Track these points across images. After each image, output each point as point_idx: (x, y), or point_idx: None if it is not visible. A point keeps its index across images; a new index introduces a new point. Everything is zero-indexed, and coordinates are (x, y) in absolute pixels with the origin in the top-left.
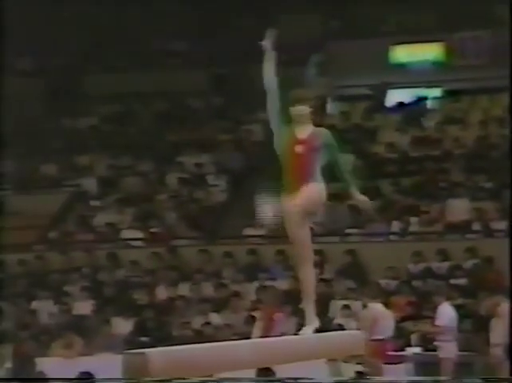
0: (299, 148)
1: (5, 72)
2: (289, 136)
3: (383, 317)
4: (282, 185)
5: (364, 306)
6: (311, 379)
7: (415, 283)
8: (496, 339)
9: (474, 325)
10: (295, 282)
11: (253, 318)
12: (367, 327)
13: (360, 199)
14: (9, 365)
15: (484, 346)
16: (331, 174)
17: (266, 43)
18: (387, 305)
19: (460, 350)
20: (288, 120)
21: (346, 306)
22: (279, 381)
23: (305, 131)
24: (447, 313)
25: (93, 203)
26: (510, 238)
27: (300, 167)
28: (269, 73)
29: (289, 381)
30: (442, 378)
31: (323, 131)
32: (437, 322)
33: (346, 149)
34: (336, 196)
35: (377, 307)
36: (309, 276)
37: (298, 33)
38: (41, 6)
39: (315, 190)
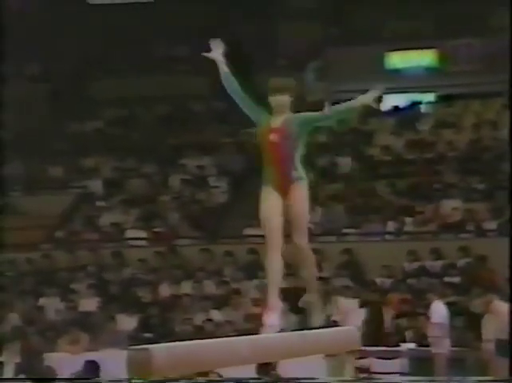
0: (273, 137)
1: (13, 77)
2: (265, 126)
3: (353, 311)
4: (264, 175)
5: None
6: (313, 379)
7: (409, 281)
8: (488, 335)
9: (467, 321)
10: (293, 280)
11: (253, 315)
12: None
13: (367, 96)
14: (17, 360)
15: (476, 342)
16: (326, 177)
17: (214, 55)
18: (383, 302)
19: (453, 346)
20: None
21: None
22: (280, 380)
23: (279, 119)
24: (439, 310)
25: (99, 203)
26: (511, 239)
27: (277, 157)
28: (225, 74)
29: (289, 380)
30: (441, 378)
31: (294, 115)
32: (430, 319)
33: (343, 151)
34: (333, 197)
35: (347, 301)
36: (312, 273)
37: (298, 40)
38: (46, 12)
39: (303, 197)
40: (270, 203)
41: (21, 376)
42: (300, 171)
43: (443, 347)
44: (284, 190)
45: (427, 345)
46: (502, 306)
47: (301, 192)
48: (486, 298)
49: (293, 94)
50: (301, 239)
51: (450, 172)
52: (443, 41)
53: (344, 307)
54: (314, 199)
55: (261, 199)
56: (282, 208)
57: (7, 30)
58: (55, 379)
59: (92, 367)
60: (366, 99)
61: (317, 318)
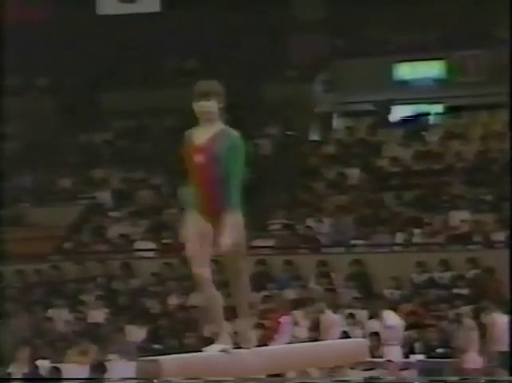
0: (198, 157)
1: (22, 89)
2: (188, 142)
3: (337, 323)
4: (192, 198)
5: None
6: (315, 380)
7: (418, 293)
8: (464, 345)
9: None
10: (302, 291)
11: (261, 326)
12: (323, 332)
13: (223, 239)
14: (25, 370)
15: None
16: (334, 188)
17: None
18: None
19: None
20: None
21: (351, 315)
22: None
23: (205, 134)
24: (390, 318)
25: (108, 215)
26: (511, 250)
27: (205, 181)
28: None
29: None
30: (451, 378)
31: (228, 131)
32: (384, 327)
33: (352, 163)
34: (341, 208)
35: (333, 314)
36: (246, 295)
37: (306, 51)
38: (55, 24)
39: (236, 230)
40: (193, 229)
41: None
42: (234, 199)
43: (394, 355)
44: (213, 217)
45: (437, 357)
46: (500, 318)
47: (232, 227)
48: (485, 310)
49: (221, 100)
50: (239, 265)
51: (458, 184)
52: (451, 52)
53: (330, 319)
54: (322, 210)
55: (184, 225)
56: (209, 235)
57: (17, 43)
58: (60, 379)
59: (100, 369)
60: (225, 235)
61: (247, 347)
